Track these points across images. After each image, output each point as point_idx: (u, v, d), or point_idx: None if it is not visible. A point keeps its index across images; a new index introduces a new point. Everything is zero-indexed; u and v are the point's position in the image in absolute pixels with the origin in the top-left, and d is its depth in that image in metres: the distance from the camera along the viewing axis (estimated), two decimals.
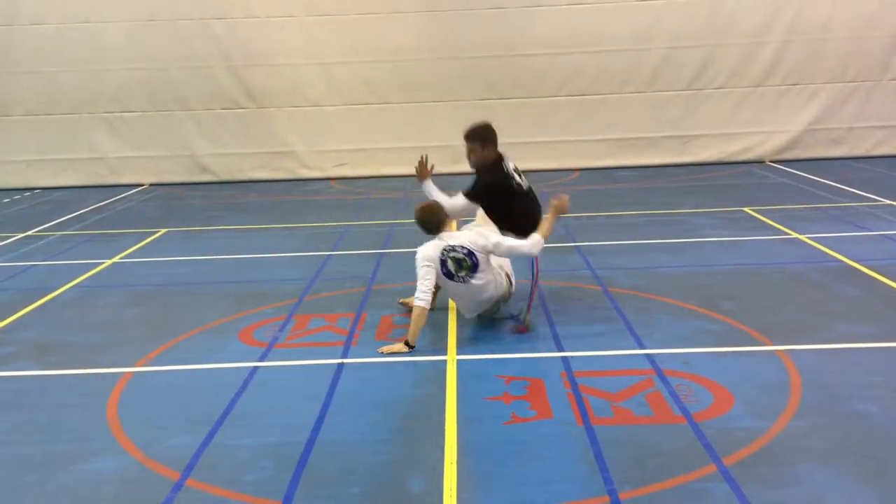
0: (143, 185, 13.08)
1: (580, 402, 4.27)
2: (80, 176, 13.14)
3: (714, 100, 12.93)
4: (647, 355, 4.91)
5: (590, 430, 3.95)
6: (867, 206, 9.12)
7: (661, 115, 12.94)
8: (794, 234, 7.83)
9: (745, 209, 9.16)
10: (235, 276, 7.23)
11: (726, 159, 12.94)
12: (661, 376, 4.57)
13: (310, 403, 4.35)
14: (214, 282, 7.07)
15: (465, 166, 13.43)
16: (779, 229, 8.11)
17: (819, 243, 7.43)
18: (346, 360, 5.01)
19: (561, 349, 5.07)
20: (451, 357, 5.00)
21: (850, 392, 4.29)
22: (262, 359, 5.08)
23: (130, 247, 8.49)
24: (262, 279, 7.09)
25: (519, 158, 12.80)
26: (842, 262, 6.81)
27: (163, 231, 9.31)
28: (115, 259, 7.98)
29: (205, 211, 10.76)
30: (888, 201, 9.27)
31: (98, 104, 13.02)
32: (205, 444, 3.97)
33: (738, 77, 12.86)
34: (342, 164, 13.24)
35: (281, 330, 5.62)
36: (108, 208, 11.19)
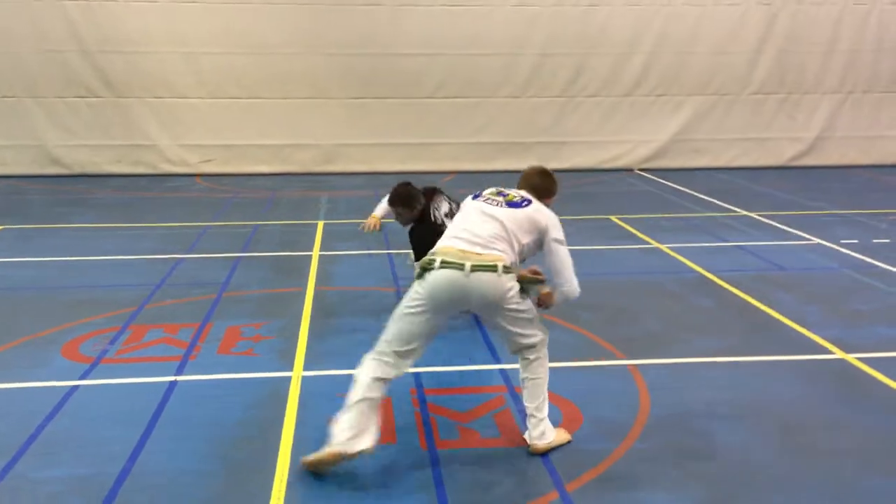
0: None
1: (427, 422, 4.07)
2: None
3: (586, 107, 13.14)
4: (501, 370, 4.76)
5: (433, 454, 3.75)
6: (726, 216, 9.42)
7: (535, 121, 13.03)
8: (656, 244, 7.95)
9: (612, 217, 9.27)
10: (72, 282, 6.63)
11: (598, 166, 13.17)
12: (513, 394, 4.42)
13: (130, 429, 3.94)
14: (48, 287, 6.46)
15: (336, 166, 13.06)
16: (642, 239, 8.22)
17: (678, 253, 7.56)
18: (180, 378, 4.61)
19: (414, 363, 4.84)
20: (297, 373, 4.69)
21: (697, 409, 4.27)
22: (83, 376, 4.61)
23: None
24: (102, 284, 6.53)
25: (393, 159, 12.74)
26: (698, 272, 6.93)
27: (0, 228, 8.51)
28: None
29: (49, 207, 9.95)
30: (745, 212, 9.61)
31: None
32: (0, 476, 3.50)
33: (610, 86, 13.12)
34: (208, 160, 12.61)
35: (112, 342, 5.15)
36: None
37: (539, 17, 12.76)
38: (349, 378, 4.61)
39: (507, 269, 3.58)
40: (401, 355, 3.64)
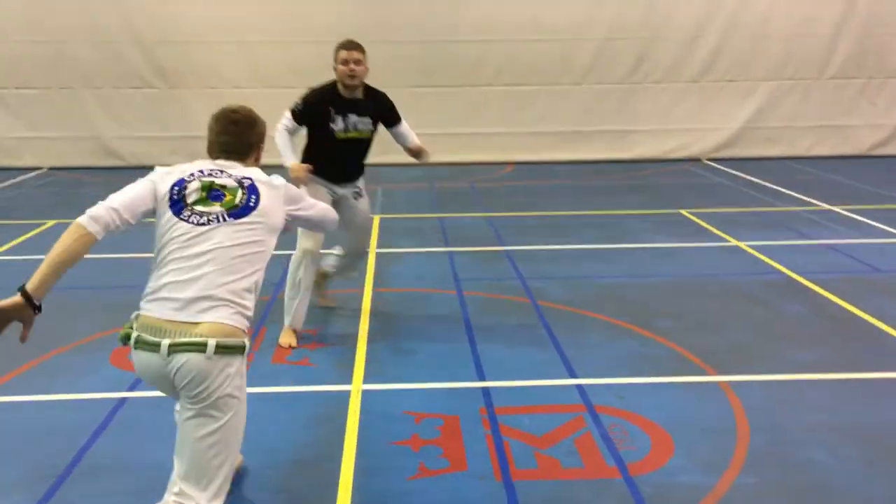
0: (41, 169, 11.99)
1: (500, 447, 3.69)
2: None
3: (651, 94, 12.54)
4: (579, 386, 4.35)
5: (509, 487, 3.36)
6: (807, 210, 8.81)
7: (597, 109, 12.48)
8: (734, 241, 7.41)
9: (682, 211, 8.73)
10: (127, 280, 6.37)
11: (662, 156, 12.57)
12: (593, 414, 4.01)
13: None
14: (101, 287, 6.25)
15: (392, 157, 12.65)
16: (717, 235, 7.69)
17: (760, 252, 7.02)
18: None
19: (482, 377, 4.47)
20: (357, 387, 4.35)
21: (799, 436, 3.80)
22: (132, 388, 4.34)
23: (9, 241, 7.56)
24: None
25: (449, 150, 12.33)
26: (783, 273, 6.40)
27: (51, 223, 8.37)
28: None
29: (101, 200, 9.79)
30: (827, 206, 8.97)
31: None
32: (41, 503, 3.25)
33: (677, 72, 12.50)
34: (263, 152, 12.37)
35: None
36: None
37: (602, 1, 12.20)
38: (412, 392, 4.31)
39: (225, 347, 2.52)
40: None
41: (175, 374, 2.51)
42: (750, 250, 7.11)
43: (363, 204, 5.29)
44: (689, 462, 3.56)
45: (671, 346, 4.94)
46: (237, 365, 2.57)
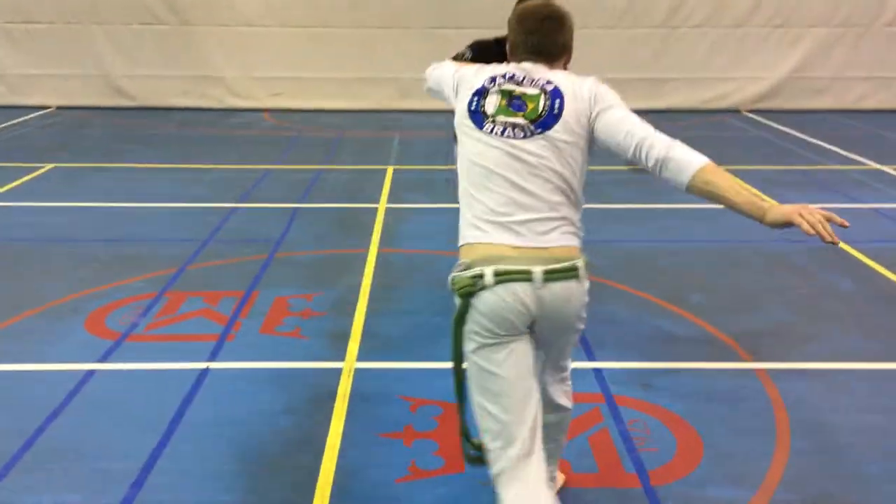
0: (49, 108, 11.56)
1: None
2: None
3: (690, 40, 11.72)
4: (597, 371, 3.88)
5: None
6: (855, 170, 8.13)
7: (631, 55, 11.68)
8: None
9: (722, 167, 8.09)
10: (114, 233, 5.99)
11: (701, 107, 11.79)
12: (612, 406, 3.55)
13: (143, 436, 3.25)
14: (86, 239, 5.83)
15: (411, 103, 11.90)
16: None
17: None
18: (212, 365, 3.90)
19: None
20: (349, 365, 3.91)
21: (847, 441, 3.31)
22: (103, 358, 3.94)
23: (1, 186, 7.17)
24: (146, 238, 5.87)
25: None
26: None
27: (49, 167, 7.97)
28: None
29: (107, 143, 9.39)
30: (877, 165, 8.29)
31: None
32: None
33: (718, 16, 11.63)
34: (277, 94, 11.83)
35: (143, 314, 4.47)
36: None
37: None
38: (411, 373, 3.86)
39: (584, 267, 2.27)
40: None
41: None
42: None
43: None
44: (719, 470, 3.09)
45: (703, 325, 4.43)
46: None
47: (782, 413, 3.51)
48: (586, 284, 2.29)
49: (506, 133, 2.25)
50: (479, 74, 2.40)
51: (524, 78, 2.33)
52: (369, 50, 11.55)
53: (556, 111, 2.26)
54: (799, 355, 4.08)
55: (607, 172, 8.13)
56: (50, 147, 9.01)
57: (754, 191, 3.72)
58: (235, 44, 11.59)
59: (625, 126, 2.28)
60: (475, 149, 2.28)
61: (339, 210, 6.63)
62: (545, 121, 2.25)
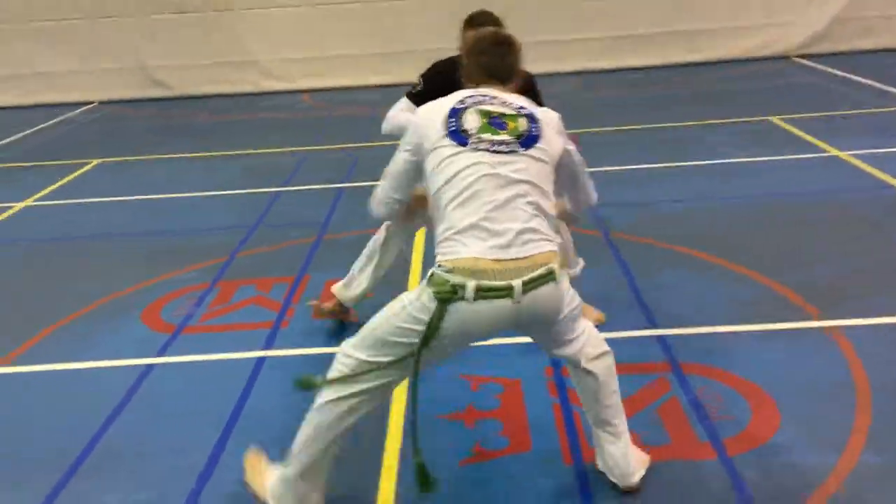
0: (92, 104, 11.67)
1: (569, 419, 3.14)
2: (17, 94, 11.70)
3: None
4: (660, 338, 3.75)
5: (581, 472, 2.84)
6: None
7: (657, 5, 11.23)
8: (835, 151, 6.53)
9: (773, 118, 7.81)
10: (162, 225, 6.01)
11: (743, 56, 11.39)
12: (679, 374, 3.42)
13: (207, 431, 3.23)
14: (134, 233, 5.87)
15: None
16: (815, 145, 6.80)
17: (866, 163, 6.15)
18: (268, 353, 3.87)
19: None
20: None
21: None
22: (161, 352, 3.94)
23: (50, 185, 7.25)
24: (194, 228, 5.88)
25: None
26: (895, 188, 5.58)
27: (94, 162, 8.04)
28: (28, 202, 6.76)
29: (145, 135, 9.44)
30: None
31: (32, 13, 11.48)
32: (50, 499, 2.87)
33: None
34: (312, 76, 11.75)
35: (197, 305, 4.47)
36: (43, 133, 9.87)
37: None
38: (468, 351, 3.75)
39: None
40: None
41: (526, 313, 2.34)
42: (853, 160, 6.24)
43: None
44: (799, 435, 2.96)
45: (763, 280, 4.26)
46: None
47: (861, 373, 3.35)
48: (565, 283, 2.42)
49: (493, 149, 2.37)
50: (441, 107, 2.49)
51: (493, 99, 2.49)
52: (402, 22, 11.39)
53: (534, 132, 2.44)
54: (870, 310, 3.90)
55: (646, 132, 7.91)
56: (94, 142, 9.10)
57: None
58: (267, 25, 11.53)
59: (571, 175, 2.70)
60: (458, 165, 2.37)
61: None
62: (527, 140, 2.42)
